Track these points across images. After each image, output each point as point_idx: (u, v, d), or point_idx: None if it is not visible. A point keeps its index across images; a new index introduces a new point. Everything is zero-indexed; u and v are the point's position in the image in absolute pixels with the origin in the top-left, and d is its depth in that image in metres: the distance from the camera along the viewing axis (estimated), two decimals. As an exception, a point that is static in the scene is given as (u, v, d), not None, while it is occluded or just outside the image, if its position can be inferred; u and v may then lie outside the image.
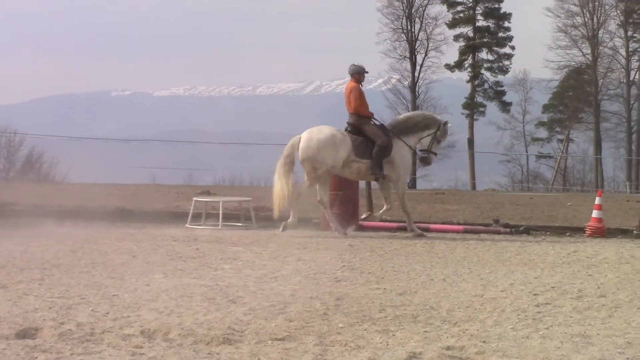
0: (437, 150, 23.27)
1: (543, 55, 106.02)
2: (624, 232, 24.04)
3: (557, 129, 79.29)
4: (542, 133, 79.97)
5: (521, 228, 24.70)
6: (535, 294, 14.56)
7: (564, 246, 21.69)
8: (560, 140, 79.03)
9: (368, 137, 22.20)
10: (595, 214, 24.42)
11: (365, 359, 10.07)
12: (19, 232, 22.21)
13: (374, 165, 22.01)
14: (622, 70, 74.76)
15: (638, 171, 72.03)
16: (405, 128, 22.75)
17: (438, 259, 19.00)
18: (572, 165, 78.09)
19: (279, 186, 22.65)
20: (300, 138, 22.48)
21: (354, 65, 23.01)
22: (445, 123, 23.10)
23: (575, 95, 77.03)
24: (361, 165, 22.14)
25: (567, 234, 24.29)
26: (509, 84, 78.33)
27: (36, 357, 9.98)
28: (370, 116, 22.71)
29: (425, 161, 23.28)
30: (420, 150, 23.03)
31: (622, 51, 74.46)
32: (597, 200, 24.86)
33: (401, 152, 22.51)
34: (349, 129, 22.66)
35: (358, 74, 22.88)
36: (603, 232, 23.89)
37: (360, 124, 22.49)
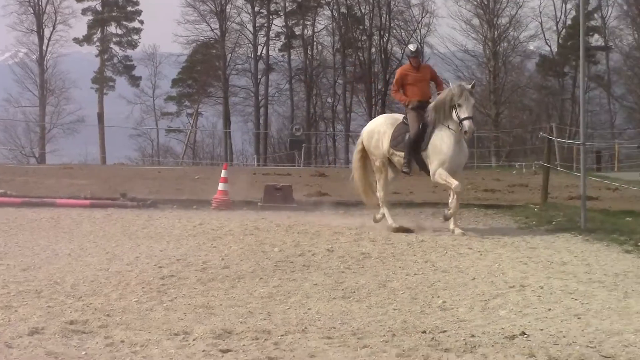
0: (467, 113, 19.43)
1: (172, 30, 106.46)
2: (249, 204, 24.61)
3: (187, 103, 80.00)
4: (172, 107, 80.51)
5: (148, 201, 24.84)
6: (160, 267, 14.74)
7: (190, 219, 22.01)
8: (190, 115, 79.70)
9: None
10: (221, 186, 24.90)
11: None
12: None
13: (405, 160, 20.18)
14: (250, 45, 76.22)
15: (266, 144, 73.68)
16: (442, 111, 19.83)
17: (64, 234, 18.88)
18: (201, 139, 79.00)
19: (355, 177, 21.69)
20: None
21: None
22: (459, 86, 19.80)
23: (203, 70, 77.84)
24: (400, 158, 20.33)
25: (194, 207, 24.63)
26: (138, 58, 78.37)
27: None
28: (402, 101, 20.68)
29: (467, 132, 19.60)
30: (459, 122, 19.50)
31: (250, 26, 75.92)
32: (222, 174, 25.35)
33: (441, 138, 19.88)
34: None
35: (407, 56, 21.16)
36: (229, 205, 24.37)
37: (405, 111, 20.78)
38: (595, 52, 71.54)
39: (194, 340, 9.93)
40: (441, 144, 19.61)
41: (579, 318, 11.19)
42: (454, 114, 19.31)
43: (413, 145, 19.85)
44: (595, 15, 71.82)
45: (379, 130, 20.75)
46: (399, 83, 20.49)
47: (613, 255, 16.77)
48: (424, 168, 20.20)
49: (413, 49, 20.97)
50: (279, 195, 24.59)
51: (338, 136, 76.12)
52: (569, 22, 72.52)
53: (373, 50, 75.59)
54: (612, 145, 54.13)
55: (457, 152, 19.64)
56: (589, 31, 66.71)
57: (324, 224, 21.27)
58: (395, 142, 20.25)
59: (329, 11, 76.93)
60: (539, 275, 14.40)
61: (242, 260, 15.56)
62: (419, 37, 74.58)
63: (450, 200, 19.87)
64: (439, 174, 19.56)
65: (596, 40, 72.56)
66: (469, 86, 19.53)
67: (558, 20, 73.61)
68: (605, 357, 9.31)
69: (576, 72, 68.16)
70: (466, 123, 19.09)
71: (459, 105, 19.21)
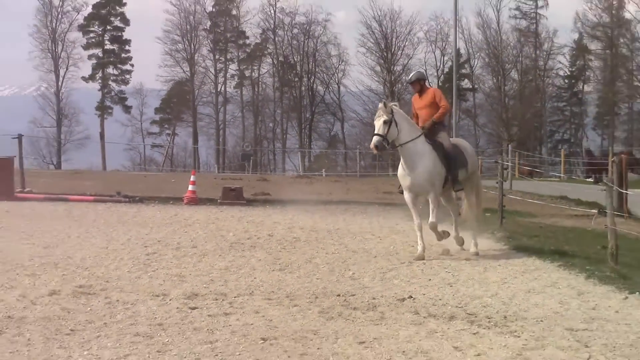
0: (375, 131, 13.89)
1: (155, 71, 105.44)
2: (211, 201, 24.54)
3: (166, 125, 79.29)
4: (155, 129, 79.60)
5: (137, 198, 24.69)
6: (145, 246, 14.70)
7: (168, 211, 21.93)
8: (169, 134, 79.13)
9: None
10: (190, 187, 24.82)
11: (15, 296, 9.92)
12: None
13: None
14: (212, 83, 75.92)
15: (224, 157, 73.42)
16: None
17: (74, 222, 18.73)
18: (176, 152, 78.38)
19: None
20: None
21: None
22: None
23: (178, 101, 77.27)
24: None
25: (171, 202, 24.50)
26: (130, 92, 77.35)
27: None
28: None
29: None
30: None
31: (212, 70, 75.60)
32: (191, 178, 25.35)
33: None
34: None
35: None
36: (196, 201, 24.29)
37: None
38: (465, 92, 71.91)
39: (170, 300, 9.94)
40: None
41: (451, 286, 11.33)
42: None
43: None
44: (465, 65, 72.25)
45: None
46: (413, 111, 14.76)
47: (477, 239, 16.89)
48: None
49: (408, 78, 15.42)
50: (233, 194, 24.54)
51: (277, 151, 76.12)
52: (446, 69, 72.64)
53: (303, 88, 75.64)
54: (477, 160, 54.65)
55: (403, 173, 14.08)
56: (460, 77, 67.01)
57: (266, 216, 21.31)
58: None
59: (270, 59, 76.88)
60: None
61: (206, 242, 15.56)
62: (336, 80, 74.91)
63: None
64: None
65: (465, 83, 72.91)
66: (381, 104, 13.98)
67: (438, 68, 73.62)
68: (469, 314, 9.41)
69: (451, 107, 68.78)
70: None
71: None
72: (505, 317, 9.29)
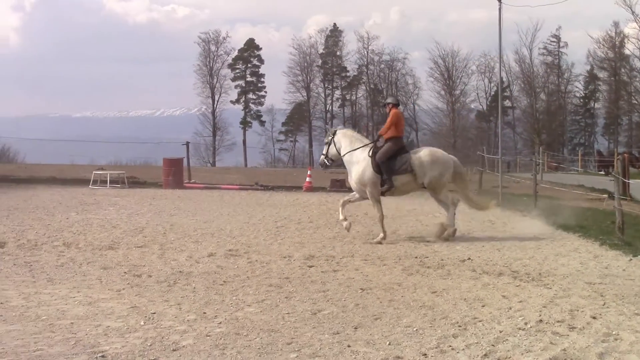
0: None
1: (282, 96, 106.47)
2: (322, 189, 24.53)
3: (290, 135, 79.84)
4: (282, 137, 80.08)
5: (269, 187, 24.90)
6: (276, 221, 14.77)
7: (291, 196, 22.03)
8: (291, 141, 79.64)
9: None
10: (307, 179, 24.95)
11: (185, 257, 10.07)
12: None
13: None
14: (322, 104, 76.29)
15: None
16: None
17: (225, 203, 18.97)
18: (297, 154, 78.94)
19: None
20: None
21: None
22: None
23: (298, 117, 77.77)
24: None
25: (293, 190, 24.61)
26: (264, 111, 78.01)
27: (4, 258, 9.67)
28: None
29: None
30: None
31: (322, 94, 76.07)
32: (308, 172, 25.56)
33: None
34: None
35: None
36: (312, 189, 24.35)
37: None
38: (506, 109, 70.84)
39: (293, 260, 9.96)
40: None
41: (499, 250, 11.09)
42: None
43: None
44: (507, 89, 71.43)
45: None
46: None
47: (518, 217, 16.56)
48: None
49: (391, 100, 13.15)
50: (338, 183, 24.47)
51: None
52: (492, 92, 72.60)
53: (388, 107, 75.65)
54: (515, 158, 54.01)
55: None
56: (503, 98, 66.36)
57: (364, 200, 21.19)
58: None
59: (364, 86, 76.92)
60: (477, 227, 14.29)
61: (319, 218, 15.56)
62: (412, 100, 74.64)
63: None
64: None
65: (507, 103, 71.96)
66: (331, 128, 13.61)
67: (486, 92, 73.97)
68: (513, 271, 9.23)
69: (496, 120, 67.73)
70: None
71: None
72: (540, 273, 9.07)
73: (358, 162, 12.59)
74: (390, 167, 12.28)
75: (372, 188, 12.42)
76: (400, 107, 12.80)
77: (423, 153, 12.54)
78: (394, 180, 12.30)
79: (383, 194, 12.52)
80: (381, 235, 12.07)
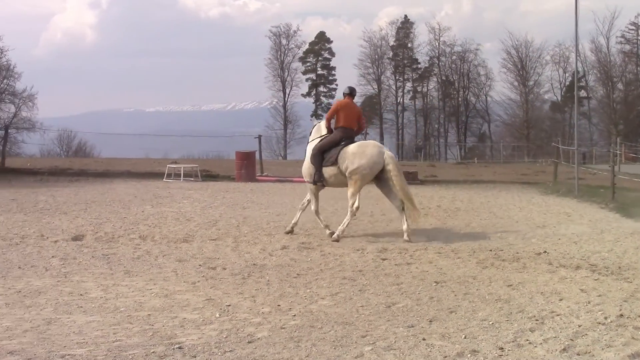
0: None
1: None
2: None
3: (360, 127, 79.93)
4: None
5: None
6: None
7: (364, 189, 21.87)
8: (363, 134, 79.50)
9: None
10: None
11: (258, 249, 10.15)
12: (75, 184, 21.72)
13: None
14: (394, 97, 75.80)
15: (403, 149, 72.95)
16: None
17: (297, 196, 18.93)
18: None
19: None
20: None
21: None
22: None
23: (370, 110, 77.54)
24: None
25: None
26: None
27: (83, 250, 9.92)
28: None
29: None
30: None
31: (393, 87, 75.53)
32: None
33: None
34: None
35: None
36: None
37: None
38: (582, 100, 68.70)
39: (367, 253, 9.92)
40: None
41: (575, 244, 10.79)
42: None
43: None
44: (582, 79, 69.35)
45: None
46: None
47: (594, 209, 16.11)
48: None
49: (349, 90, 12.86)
50: (410, 176, 24.22)
51: (441, 145, 75.05)
52: (567, 82, 70.65)
53: (459, 99, 74.37)
54: (591, 150, 52.57)
55: None
56: (578, 88, 64.49)
57: (434, 192, 20.96)
58: None
59: (436, 78, 75.93)
60: (553, 220, 13.93)
61: (391, 212, 15.30)
62: (484, 92, 73.45)
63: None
64: None
65: (582, 93, 69.86)
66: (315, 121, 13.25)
67: (561, 82, 71.83)
68: (591, 265, 8.97)
69: (571, 111, 65.92)
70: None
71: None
72: (619, 267, 8.77)
73: (306, 154, 12.50)
74: (320, 160, 11.91)
75: (310, 179, 12.19)
76: (354, 96, 12.67)
77: (353, 145, 11.82)
78: (323, 172, 11.92)
79: (315, 184, 12.14)
80: (327, 231, 11.51)
